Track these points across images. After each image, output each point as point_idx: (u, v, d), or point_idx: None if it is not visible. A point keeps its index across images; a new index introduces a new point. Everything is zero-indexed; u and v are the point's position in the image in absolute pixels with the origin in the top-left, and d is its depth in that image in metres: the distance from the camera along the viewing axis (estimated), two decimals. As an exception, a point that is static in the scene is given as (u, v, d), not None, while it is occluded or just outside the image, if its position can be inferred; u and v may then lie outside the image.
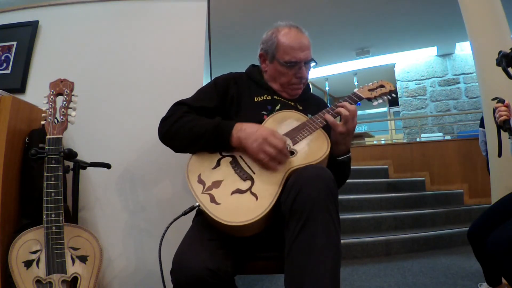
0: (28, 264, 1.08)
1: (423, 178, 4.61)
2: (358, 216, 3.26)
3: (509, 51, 1.35)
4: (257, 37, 1.29)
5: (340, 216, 0.91)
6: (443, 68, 6.86)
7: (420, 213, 3.52)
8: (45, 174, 1.13)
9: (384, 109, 8.90)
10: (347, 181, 1.18)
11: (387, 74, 7.22)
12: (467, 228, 1.69)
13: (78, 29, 1.73)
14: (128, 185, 1.57)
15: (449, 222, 3.59)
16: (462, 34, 3.62)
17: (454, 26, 5.40)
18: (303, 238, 0.82)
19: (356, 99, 1.14)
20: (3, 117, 1.23)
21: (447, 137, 6.31)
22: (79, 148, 1.42)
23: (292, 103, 1.22)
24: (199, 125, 1.04)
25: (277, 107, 1.18)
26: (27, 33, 1.71)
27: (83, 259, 1.15)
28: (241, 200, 0.92)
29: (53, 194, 1.11)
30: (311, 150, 1.01)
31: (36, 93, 1.48)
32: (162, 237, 0.96)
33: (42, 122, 1.19)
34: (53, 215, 1.11)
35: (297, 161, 0.98)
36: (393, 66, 7.29)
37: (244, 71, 1.32)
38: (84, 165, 1.33)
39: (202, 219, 1.03)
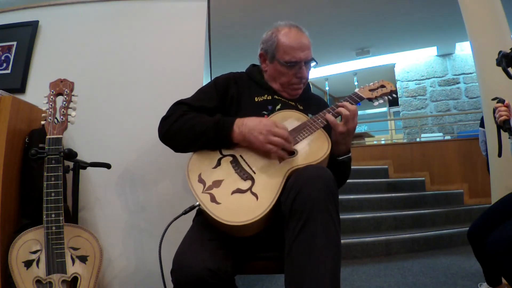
0: (28, 264, 1.08)
1: (423, 178, 4.61)
2: (358, 216, 3.26)
3: (509, 51, 1.35)
4: (257, 37, 1.28)
5: (340, 216, 0.91)
6: (443, 68, 6.86)
7: (420, 213, 3.52)
8: (45, 174, 1.13)
9: (384, 109, 8.89)
10: (347, 181, 1.18)
11: (387, 74, 7.22)
12: (467, 228, 1.69)
13: (78, 29, 1.73)
14: (128, 185, 1.57)
15: (449, 222, 3.59)
16: (462, 34, 3.62)
17: (454, 26, 5.40)
18: (303, 238, 0.82)
19: (356, 99, 1.13)
20: (3, 117, 1.23)
21: (447, 137, 6.31)
22: (79, 148, 1.42)
23: (293, 103, 1.22)
24: (200, 122, 1.04)
25: (278, 107, 1.18)
26: (27, 33, 1.71)
27: (83, 259, 1.15)
28: (241, 200, 0.92)
29: (53, 194, 1.11)
30: (311, 150, 1.01)
31: (36, 93, 1.49)
32: (162, 237, 0.96)
33: (42, 122, 1.19)
34: (53, 215, 1.11)
35: (297, 161, 0.98)
36: (393, 66, 7.29)
37: (244, 71, 1.32)
38: (84, 165, 1.33)
39: (202, 219, 1.03)
